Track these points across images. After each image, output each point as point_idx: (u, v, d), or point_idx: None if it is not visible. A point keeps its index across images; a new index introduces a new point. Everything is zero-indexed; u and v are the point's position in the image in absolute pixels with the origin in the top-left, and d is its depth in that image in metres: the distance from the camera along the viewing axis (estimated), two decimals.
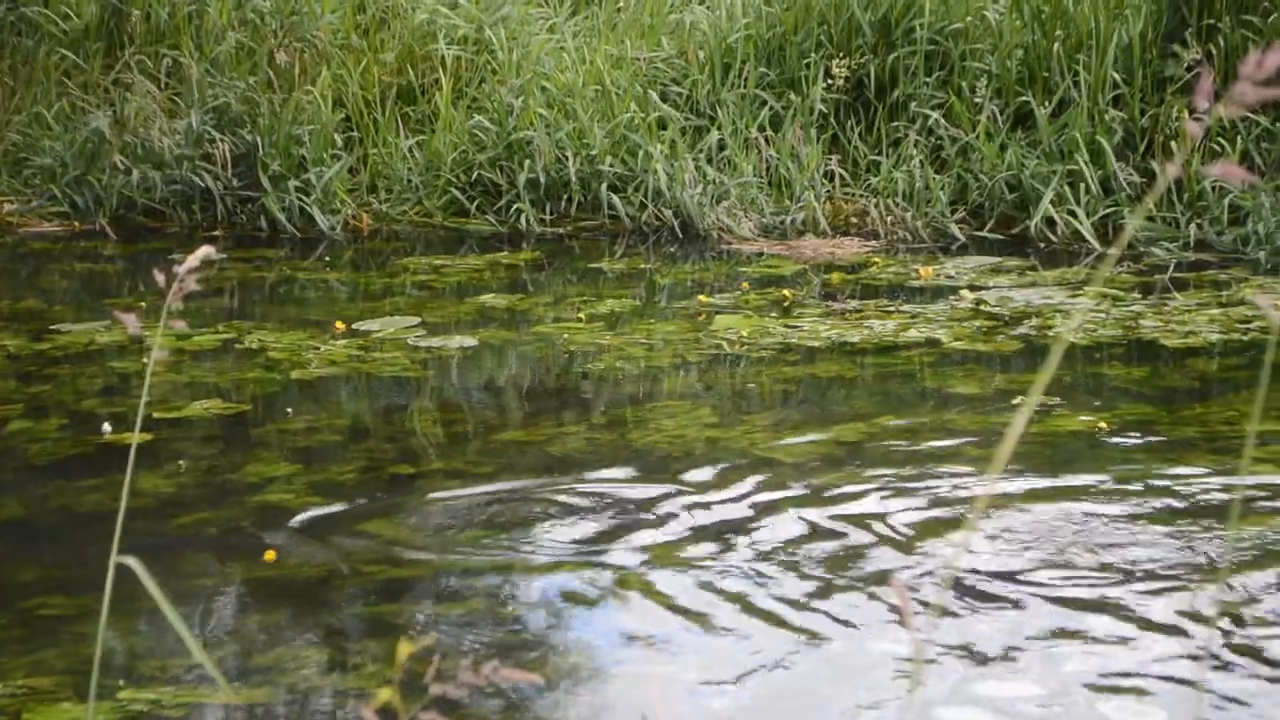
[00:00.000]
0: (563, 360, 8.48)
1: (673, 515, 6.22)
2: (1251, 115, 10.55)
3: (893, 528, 6.04)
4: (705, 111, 11.52)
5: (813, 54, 11.45)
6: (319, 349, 8.51)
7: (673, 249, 10.79)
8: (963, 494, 6.38)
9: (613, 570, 5.74)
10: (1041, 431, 7.03)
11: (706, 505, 6.31)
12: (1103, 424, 7.13)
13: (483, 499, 6.48)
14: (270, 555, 5.88)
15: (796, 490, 6.43)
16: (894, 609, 5.32)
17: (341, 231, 11.27)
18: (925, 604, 5.47)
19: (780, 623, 5.31)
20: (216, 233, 11.29)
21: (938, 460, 6.76)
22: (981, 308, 9.12)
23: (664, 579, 5.64)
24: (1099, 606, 5.37)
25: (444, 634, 5.30)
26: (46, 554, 6.09)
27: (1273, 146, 10.54)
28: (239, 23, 12.12)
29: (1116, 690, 4.84)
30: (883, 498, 6.35)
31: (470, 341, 8.70)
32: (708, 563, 5.77)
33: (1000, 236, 10.68)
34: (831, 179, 11.11)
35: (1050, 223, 10.57)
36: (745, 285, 9.73)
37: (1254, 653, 5.02)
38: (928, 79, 11.28)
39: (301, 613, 5.55)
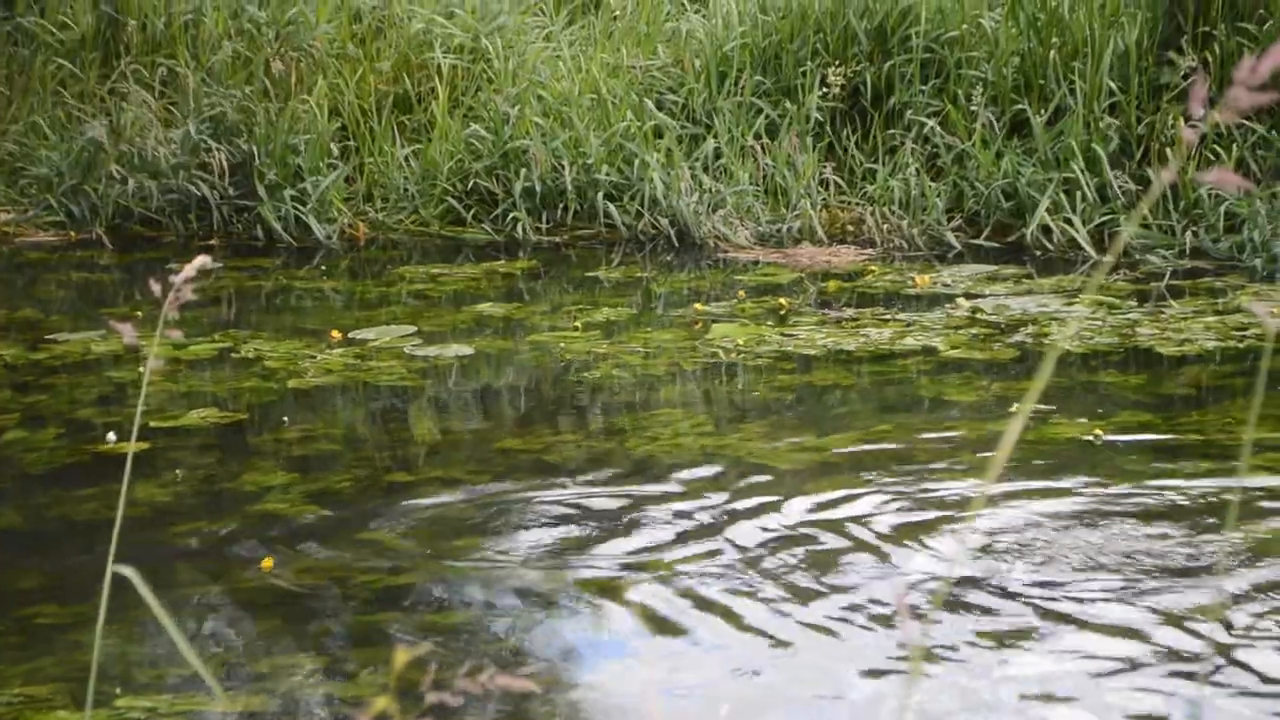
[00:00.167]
0: (559, 369, 8.48)
1: (669, 524, 6.22)
2: (1247, 123, 10.55)
3: (889, 535, 6.04)
4: (701, 120, 11.52)
5: (809, 62, 11.46)
6: (315, 358, 8.51)
7: (669, 257, 10.79)
8: (959, 501, 6.38)
9: (609, 578, 5.74)
10: (1038, 438, 7.03)
11: (703, 514, 6.31)
12: (1099, 431, 7.13)
13: (479, 507, 6.48)
14: (267, 564, 5.88)
15: (793, 498, 6.42)
16: (891, 616, 5.32)
17: (338, 240, 11.28)
18: (921, 608, 5.46)
19: (778, 631, 5.31)
20: (213, 242, 11.29)
21: (934, 468, 6.76)
22: (977, 315, 9.12)
23: (662, 588, 5.63)
24: (1094, 613, 5.37)
25: (440, 642, 5.29)
26: (43, 563, 6.09)
27: (1269, 154, 10.55)
28: (235, 32, 12.13)
29: (1114, 692, 4.84)
30: (879, 505, 6.35)
31: (466, 350, 8.70)
32: (706, 571, 5.76)
33: (996, 244, 10.68)
34: (827, 187, 11.11)
35: (1046, 230, 10.57)
36: (741, 293, 9.73)
37: (1251, 659, 5.02)
38: (923, 87, 11.29)
39: (298, 621, 5.55)
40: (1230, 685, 4.88)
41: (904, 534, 6.04)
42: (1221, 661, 5.03)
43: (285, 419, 7.66)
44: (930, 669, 4.97)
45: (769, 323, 9.07)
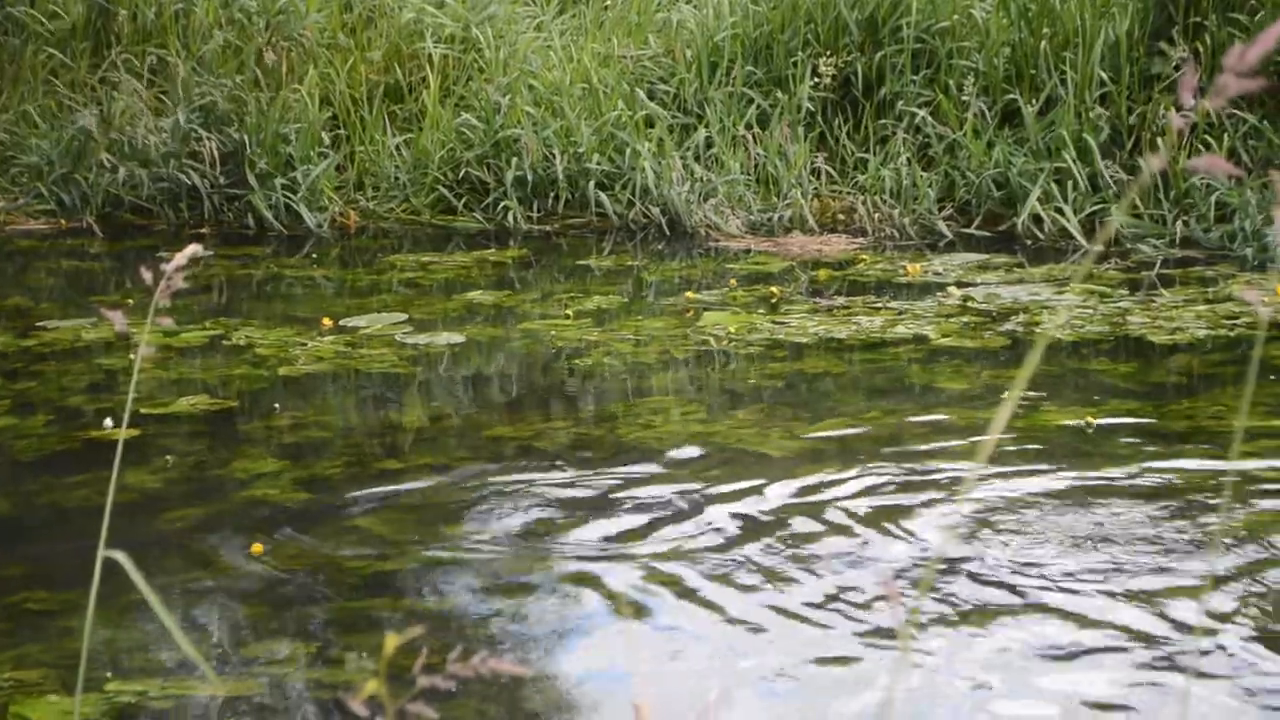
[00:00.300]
0: (550, 357, 8.47)
1: (660, 510, 6.22)
2: (1238, 112, 10.57)
3: (877, 520, 6.04)
4: (692, 109, 11.52)
5: (800, 52, 11.46)
6: (306, 345, 8.50)
7: (660, 246, 10.79)
8: (949, 488, 6.38)
9: (600, 564, 5.74)
10: (1029, 426, 7.04)
11: (694, 500, 6.31)
12: (1090, 419, 7.14)
13: (468, 494, 6.47)
14: (257, 549, 5.87)
15: (784, 485, 6.43)
16: (878, 600, 5.32)
17: (329, 229, 11.27)
18: (908, 592, 5.47)
19: (765, 618, 5.31)
20: (203, 230, 11.28)
21: (924, 455, 6.76)
22: (969, 304, 9.13)
23: (650, 573, 5.63)
24: (1084, 600, 5.38)
25: (431, 627, 5.29)
26: (33, 549, 6.08)
27: (1259, 144, 10.56)
28: (226, 21, 12.11)
29: (1099, 684, 4.84)
30: (868, 491, 6.35)
31: (457, 338, 8.70)
32: (695, 557, 5.77)
33: (987, 233, 10.69)
34: (819, 176, 11.12)
35: (1037, 220, 10.58)
36: (733, 282, 9.73)
37: (1249, 646, 5.03)
38: (915, 77, 11.29)
39: (288, 606, 5.55)
40: (1222, 675, 4.88)
41: (893, 519, 6.04)
42: (1212, 651, 5.03)
43: (276, 406, 7.65)
44: (914, 654, 4.97)
45: (760, 311, 9.07)
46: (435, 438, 7.31)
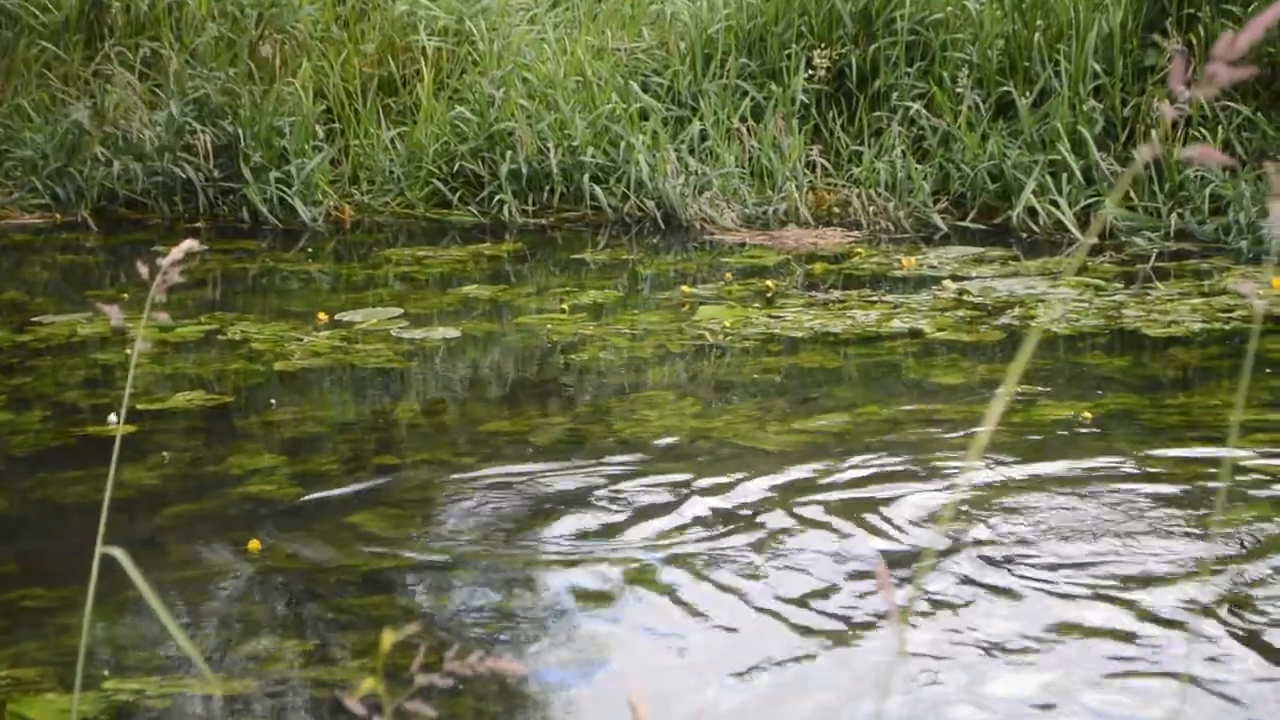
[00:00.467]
0: (545, 351, 8.47)
1: (655, 505, 6.22)
2: (1233, 104, 10.57)
3: (874, 516, 6.04)
4: (687, 102, 11.52)
5: (794, 45, 11.46)
6: (302, 340, 8.50)
7: (655, 240, 10.79)
8: (945, 482, 6.39)
9: (595, 561, 5.74)
10: (1025, 420, 7.04)
11: (689, 495, 6.31)
12: (1086, 413, 7.14)
13: (465, 490, 6.47)
14: (254, 546, 5.87)
15: (779, 479, 6.43)
16: (876, 592, 5.32)
17: (323, 223, 11.26)
18: (902, 582, 5.47)
19: (762, 613, 5.31)
20: (198, 224, 11.28)
21: (920, 449, 6.77)
22: (964, 297, 9.13)
23: (646, 569, 5.64)
24: (1079, 592, 5.38)
25: (428, 625, 5.29)
26: (29, 546, 6.08)
27: (1254, 135, 10.56)
28: (219, 14, 12.10)
29: (1108, 676, 4.85)
30: (865, 487, 6.36)
31: (453, 332, 8.70)
32: (690, 553, 5.77)
33: (982, 226, 10.69)
34: (813, 169, 11.12)
35: (1032, 212, 10.58)
36: (728, 276, 9.73)
37: (1243, 640, 5.04)
38: (909, 69, 11.29)
39: (285, 603, 5.55)
40: (1225, 667, 4.89)
41: (888, 512, 6.04)
42: (1216, 641, 5.04)
43: (272, 401, 7.65)
44: (908, 645, 4.98)
45: (755, 305, 9.07)
46: (431, 433, 7.31)
